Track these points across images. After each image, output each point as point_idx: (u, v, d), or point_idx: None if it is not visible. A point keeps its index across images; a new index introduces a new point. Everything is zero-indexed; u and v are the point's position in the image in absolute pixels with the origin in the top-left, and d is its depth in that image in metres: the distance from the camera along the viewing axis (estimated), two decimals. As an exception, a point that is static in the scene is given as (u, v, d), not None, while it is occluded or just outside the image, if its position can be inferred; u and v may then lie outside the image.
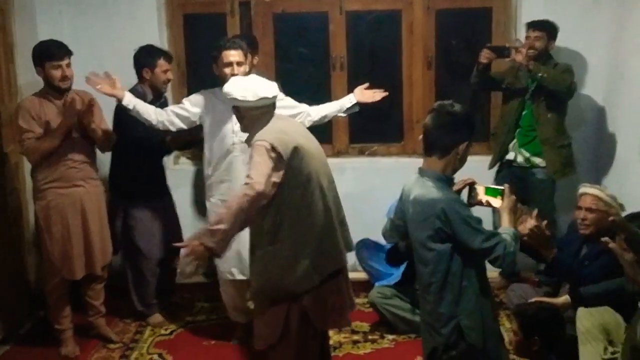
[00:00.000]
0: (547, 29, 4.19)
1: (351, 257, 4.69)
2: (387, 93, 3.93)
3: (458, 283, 2.57)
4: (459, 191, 2.76)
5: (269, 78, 3.05)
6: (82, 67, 3.68)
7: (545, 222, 3.02)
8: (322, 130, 4.54)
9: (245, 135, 3.40)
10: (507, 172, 4.38)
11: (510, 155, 4.38)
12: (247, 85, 2.86)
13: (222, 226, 2.60)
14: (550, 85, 4.07)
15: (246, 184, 2.67)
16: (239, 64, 3.56)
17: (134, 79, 4.08)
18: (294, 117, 3.68)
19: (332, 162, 4.76)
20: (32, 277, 4.29)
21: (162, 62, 4.02)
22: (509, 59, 4.20)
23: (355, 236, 4.59)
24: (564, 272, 3.28)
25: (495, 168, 4.49)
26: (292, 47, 5.13)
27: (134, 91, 3.81)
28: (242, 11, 4.92)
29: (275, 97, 2.90)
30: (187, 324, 4.24)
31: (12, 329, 4.08)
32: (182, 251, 2.63)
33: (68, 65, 3.64)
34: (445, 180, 2.60)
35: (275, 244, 2.82)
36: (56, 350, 3.86)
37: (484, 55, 4.18)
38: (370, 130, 5.12)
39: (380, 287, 4.19)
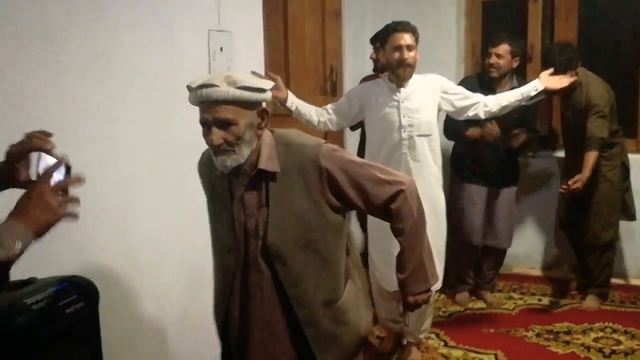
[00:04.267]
0: None
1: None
2: (575, 78, 3.35)
3: None
4: None
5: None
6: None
7: None
8: (623, 122, 4.18)
9: (415, 128, 3.17)
10: None
11: None
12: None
13: (409, 268, 2.01)
14: None
15: (395, 193, 1.95)
16: (409, 47, 3.19)
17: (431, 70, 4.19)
18: (468, 108, 3.34)
19: (637, 158, 4.45)
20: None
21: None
22: None
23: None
24: None
25: None
26: (596, 35, 4.81)
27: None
28: (545, -2, 4.76)
29: None
30: (465, 310, 4.26)
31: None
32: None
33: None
34: None
35: (351, 279, 2.08)
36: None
37: None
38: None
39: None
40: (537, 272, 4.86)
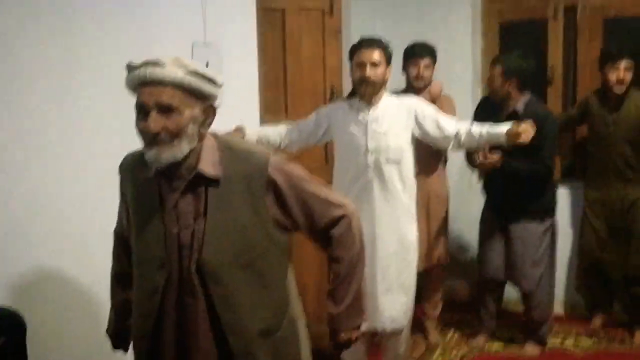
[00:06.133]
0: None
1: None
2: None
3: None
4: None
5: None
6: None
7: None
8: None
9: (382, 153, 2.95)
10: None
11: None
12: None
13: (347, 300, 1.82)
14: None
15: (339, 217, 1.79)
16: (373, 64, 2.96)
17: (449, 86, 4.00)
18: (441, 140, 3.05)
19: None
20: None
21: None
22: None
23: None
24: None
25: None
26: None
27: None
28: (567, 16, 4.48)
29: None
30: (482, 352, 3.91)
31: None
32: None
33: (426, 65, 3.76)
34: None
35: (291, 307, 1.84)
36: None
37: None
38: None
39: None
40: (559, 310, 4.45)
